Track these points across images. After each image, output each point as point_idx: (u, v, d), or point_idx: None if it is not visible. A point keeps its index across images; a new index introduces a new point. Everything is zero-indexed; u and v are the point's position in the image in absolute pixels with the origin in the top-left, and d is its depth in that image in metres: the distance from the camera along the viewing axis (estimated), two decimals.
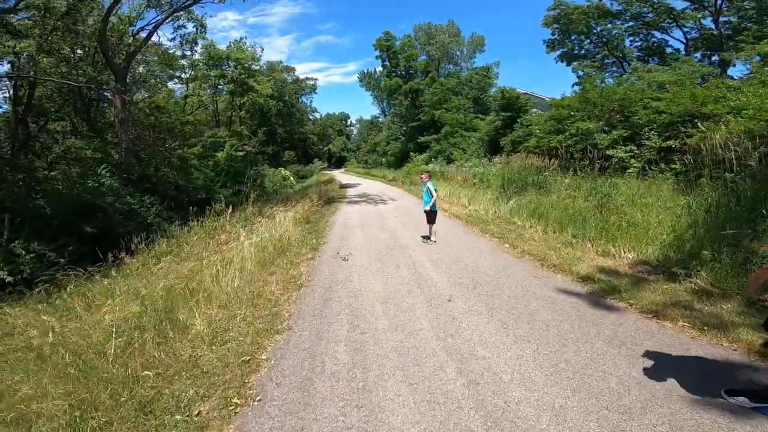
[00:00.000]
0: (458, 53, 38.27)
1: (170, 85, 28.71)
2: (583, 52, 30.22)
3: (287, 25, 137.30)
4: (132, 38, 18.70)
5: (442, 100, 28.78)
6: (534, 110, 19.83)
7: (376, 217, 10.69)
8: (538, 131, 13.84)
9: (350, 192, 20.06)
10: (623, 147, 11.48)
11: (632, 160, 11.22)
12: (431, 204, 7.04)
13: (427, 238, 7.30)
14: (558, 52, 30.40)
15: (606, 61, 29.37)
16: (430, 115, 28.83)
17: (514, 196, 9.00)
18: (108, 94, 16.90)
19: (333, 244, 7.35)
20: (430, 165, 23.03)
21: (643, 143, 11.18)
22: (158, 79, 24.29)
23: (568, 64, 30.36)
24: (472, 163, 17.71)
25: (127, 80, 21.47)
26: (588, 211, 6.59)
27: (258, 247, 5.73)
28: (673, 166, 10.37)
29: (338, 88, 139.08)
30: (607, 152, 11.52)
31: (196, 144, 25.61)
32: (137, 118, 18.61)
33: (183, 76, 29.64)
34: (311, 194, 14.38)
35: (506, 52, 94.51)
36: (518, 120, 18.57)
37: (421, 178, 7.48)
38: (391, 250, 6.71)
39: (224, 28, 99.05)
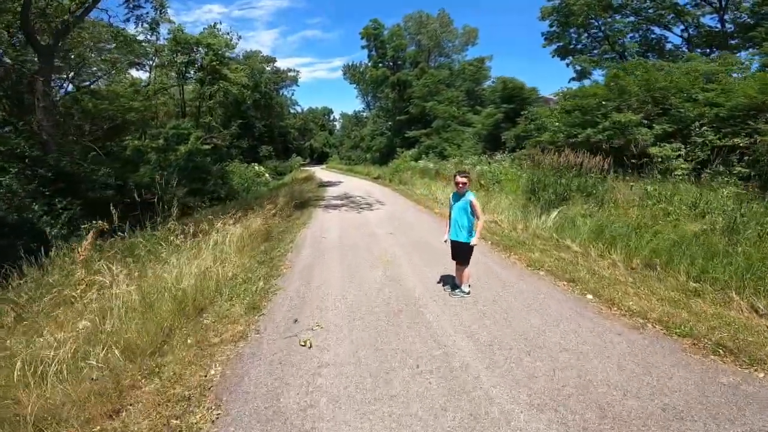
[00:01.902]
0: (450, 44, 35.87)
1: (138, 74, 25.27)
2: (580, 46, 28.98)
3: (274, 19, 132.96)
4: (69, 15, 15.45)
5: (433, 92, 26.43)
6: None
7: (362, 234, 7.83)
8: (557, 123, 11.53)
9: (330, 192, 17.03)
10: (668, 144, 9.38)
11: (680, 160, 9.15)
12: (474, 232, 4.04)
13: (453, 285, 4.45)
14: (554, 46, 28.90)
15: (605, 56, 28.12)
16: (420, 108, 26.47)
17: (554, 207, 6.54)
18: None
19: (290, 292, 4.44)
20: (421, 162, 20.60)
21: (693, 140, 9.14)
22: (113, 66, 20.84)
23: (563, 59, 28.86)
24: (471, 160, 15.34)
25: (77, 66, 18.18)
26: (706, 237, 4.17)
27: (139, 310, 2.97)
28: (737, 168, 8.38)
29: (323, 83, 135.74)
30: (650, 150, 9.37)
31: (158, 136, 22.49)
32: (68, 105, 15.39)
33: (148, 63, 26.18)
34: (281, 196, 11.53)
35: (496, 50, 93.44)
36: (522, 113, 16.42)
37: (457, 183, 4.15)
38: (394, 314, 3.83)
39: (208, 21, 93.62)
